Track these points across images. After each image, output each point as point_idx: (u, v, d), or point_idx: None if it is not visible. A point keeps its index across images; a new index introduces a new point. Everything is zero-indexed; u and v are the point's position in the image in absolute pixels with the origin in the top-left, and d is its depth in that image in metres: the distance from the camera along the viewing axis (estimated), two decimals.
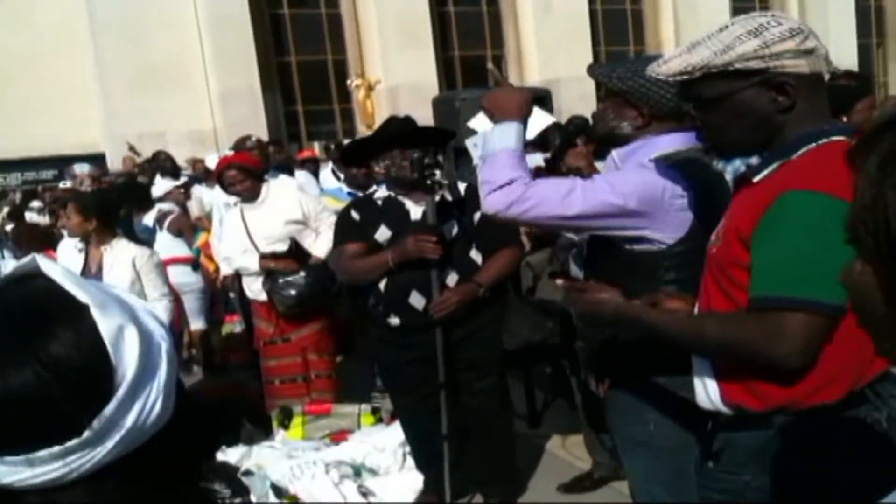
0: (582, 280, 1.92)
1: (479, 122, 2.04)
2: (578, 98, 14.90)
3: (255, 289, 4.06)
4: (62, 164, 12.74)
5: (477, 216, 2.93)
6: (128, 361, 0.66)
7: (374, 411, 3.98)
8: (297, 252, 3.96)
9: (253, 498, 2.89)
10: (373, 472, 3.34)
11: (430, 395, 2.97)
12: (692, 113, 1.52)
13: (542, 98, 5.62)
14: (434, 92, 12.99)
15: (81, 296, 0.67)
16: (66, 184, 9.23)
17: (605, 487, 3.35)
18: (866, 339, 1.38)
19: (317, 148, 14.96)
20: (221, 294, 5.73)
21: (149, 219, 5.69)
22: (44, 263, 0.70)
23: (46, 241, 5.29)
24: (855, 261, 0.67)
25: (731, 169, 1.60)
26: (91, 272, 3.69)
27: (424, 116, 5.56)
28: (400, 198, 2.92)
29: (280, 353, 4.05)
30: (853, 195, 0.66)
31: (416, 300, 2.85)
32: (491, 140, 1.87)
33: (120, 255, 3.66)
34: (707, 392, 1.52)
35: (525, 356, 3.52)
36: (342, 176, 6.34)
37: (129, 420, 0.66)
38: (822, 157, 1.39)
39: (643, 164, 1.84)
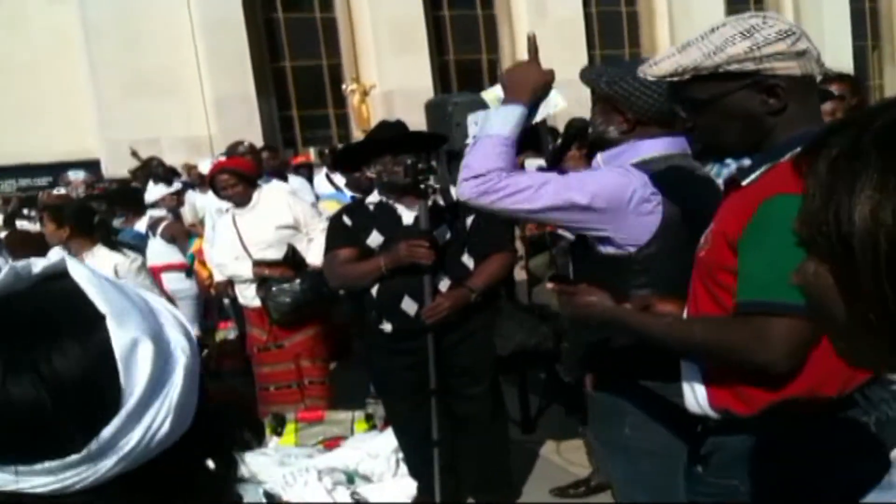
0: (573, 283, 1.92)
1: (492, 93, 2.03)
2: (574, 101, 14.81)
3: (247, 295, 4.04)
4: (57, 170, 12.72)
5: (469, 221, 2.92)
6: (136, 379, 0.64)
7: (368, 418, 3.96)
8: (293, 258, 3.94)
9: None
10: (366, 478, 3.32)
11: (422, 401, 2.96)
12: (682, 115, 1.51)
13: (536, 102, 5.61)
14: (429, 96, 12.97)
15: (101, 304, 0.65)
16: (59, 190, 9.20)
17: (602, 493, 3.33)
18: None
19: (312, 153, 14.97)
20: (215, 300, 5.70)
21: (141, 225, 5.67)
22: (71, 264, 0.68)
23: (39, 247, 5.26)
24: (807, 262, 0.67)
25: (726, 172, 1.59)
26: None
27: (420, 121, 5.55)
28: (392, 203, 2.91)
29: (273, 360, 4.02)
30: (803, 198, 0.66)
31: (409, 305, 2.84)
32: (490, 122, 1.86)
33: (100, 263, 3.63)
34: (695, 396, 1.52)
35: (519, 361, 3.51)
36: (336, 180, 6.33)
37: (132, 440, 0.64)
38: None
39: (624, 168, 1.86)
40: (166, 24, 17.02)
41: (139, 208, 6.01)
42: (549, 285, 1.71)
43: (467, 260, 2.93)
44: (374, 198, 2.98)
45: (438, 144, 3.17)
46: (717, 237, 1.45)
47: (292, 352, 3.98)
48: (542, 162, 3.80)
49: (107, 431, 0.62)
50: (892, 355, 0.63)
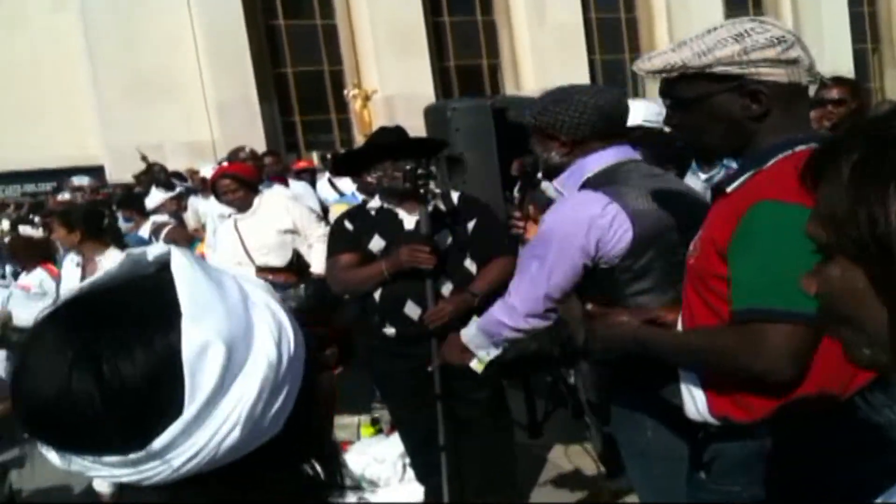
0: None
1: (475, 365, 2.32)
2: None
3: None
4: (62, 175, 12.76)
5: (471, 225, 2.92)
6: (202, 386, 0.62)
7: (374, 422, 3.96)
8: (297, 264, 3.96)
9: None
10: (373, 483, 3.33)
11: (426, 405, 2.95)
12: (668, 111, 1.53)
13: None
14: (430, 101, 13.00)
15: (184, 301, 0.64)
16: (64, 196, 9.23)
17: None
18: None
19: (315, 157, 15.00)
20: None
21: (144, 231, 5.68)
22: (174, 255, 0.67)
23: (43, 253, 5.27)
24: (829, 266, 0.67)
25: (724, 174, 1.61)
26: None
27: (421, 126, 5.57)
28: (393, 208, 2.91)
29: None
30: (818, 203, 0.67)
31: (412, 310, 2.84)
32: (481, 344, 2.20)
33: (108, 266, 3.65)
34: (695, 403, 1.52)
35: (524, 365, 3.51)
36: (339, 185, 6.34)
37: (197, 444, 0.63)
38: (794, 166, 1.39)
39: (572, 213, 1.95)
40: (168, 30, 17.08)
41: (145, 213, 6.06)
42: (589, 306, 1.74)
43: (470, 264, 2.93)
44: (375, 203, 2.99)
45: (438, 149, 3.18)
46: (705, 244, 1.46)
47: None
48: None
49: (165, 436, 0.61)
50: None
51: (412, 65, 18.46)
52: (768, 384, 1.37)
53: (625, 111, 2.10)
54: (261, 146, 12.58)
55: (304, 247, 4.11)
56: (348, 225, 2.98)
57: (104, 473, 0.64)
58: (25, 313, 4.99)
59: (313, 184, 7.29)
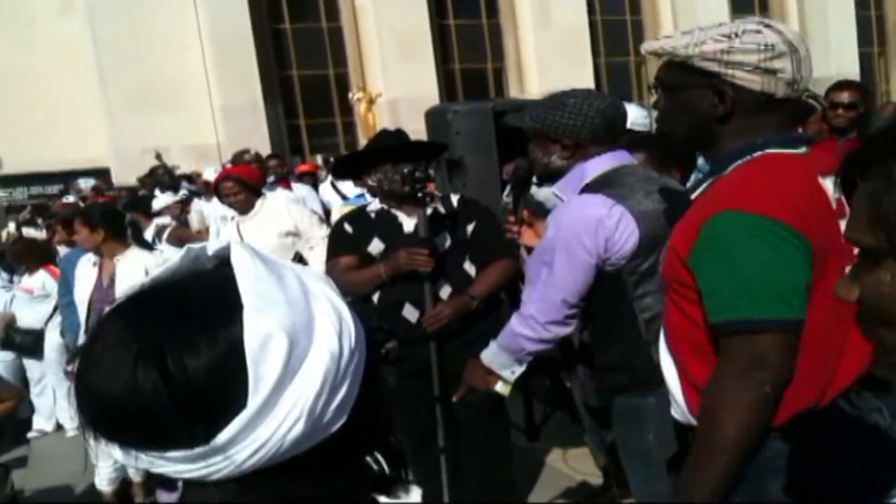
0: None
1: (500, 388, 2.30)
2: None
3: None
4: (68, 178, 12.83)
5: (470, 228, 2.93)
6: (265, 378, 0.62)
7: None
8: None
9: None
10: None
11: (425, 408, 2.96)
12: (653, 92, 1.55)
13: None
14: (435, 104, 13.04)
15: (246, 294, 0.64)
16: (69, 198, 9.29)
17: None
18: (827, 352, 1.37)
19: (319, 160, 15.00)
20: None
21: (148, 233, 5.72)
22: (234, 250, 0.68)
23: (45, 255, 5.31)
24: (877, 271, 0.65)
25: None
26: (104, 285, 3.71)
27: (425, 129, 5.59)
28: (393, 210, 2.92)
29: None
30: (860, 206, 0.65)
31: (410, 313, 2.85)
32: (505, 364, 2.17)
33: (132, 265, 3.69)
34: (679, 406, 1.52)
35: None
36: (341, 188, 6.36)
37: (260, 438, 0.62)
38: (752, 173, 1.39)
39: (580, 211, 1.94)
40: (174, 33, 17.16)
41: (150, 215, 6.10)
42: None
43: (469, 267, 2.93)
44: (375, 205, 3.00)
45: (438, 153, 3.19)
46: (670, 252, 1.47)
47: None
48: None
49: (229, 430, 0.61)
50: None
51: (417, 68, 18.49)
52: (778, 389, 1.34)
53: (624, 116, 2.12)
54: (265, 149, 12.62)
55: (305, 249, 4.14)
56: (348, 227, 2.99)
57: (169, 469, 0.64)
58: (29, 315, 5.03)
59: (315, 186, 7.32)
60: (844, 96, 4.10)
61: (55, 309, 4.82)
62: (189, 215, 6.66)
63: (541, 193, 3.41)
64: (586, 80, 17.93)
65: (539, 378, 3.87)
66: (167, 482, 0.67)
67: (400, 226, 2.91)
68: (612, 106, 2.06)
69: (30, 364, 5.21)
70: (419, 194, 2.77)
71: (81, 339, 3.66)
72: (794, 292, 1.31)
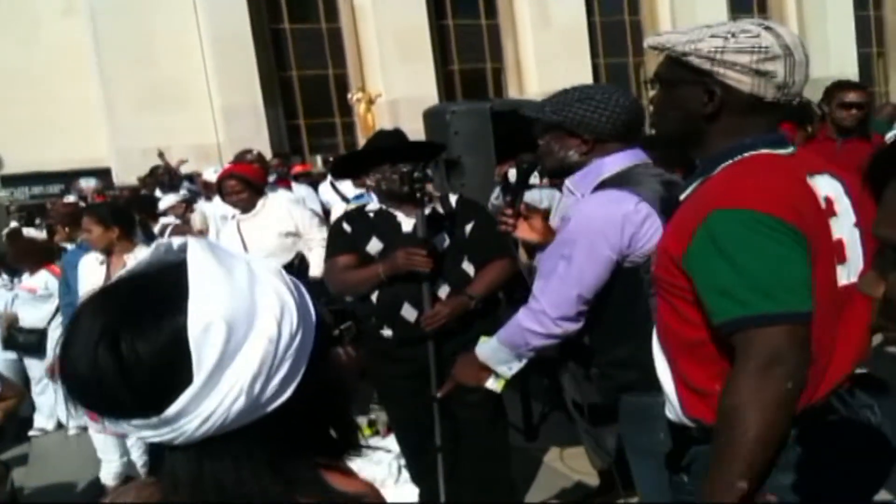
0: None
1: (493, 385, 2.23)
2: None
3: None
4: (69, 178, 12.84)
5: (468, 228, 2.94)
6: (205, 361, 0.71)
7: (371, 423, 3.98)
8: (298, 267, 3.99)
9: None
10: None
11: (423, 408, 2.97)
12: (649, 87, 1.56)
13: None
14: (434, 105, 13.06)
15: (193, 285, 0.73)
16: (69, 198, 9.30)
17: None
18: (820, 349, 1.38)
19: (318, 161, 15.01)
20: None
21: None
22: (191, 245, 0.77)
23: (47, 255, 5.32)
24: None
25: None
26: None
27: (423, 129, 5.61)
28: (391, 210, 2.93)
29: None
30: (890, 204, 0.66)
31: (408, 312, 2.86)
32: (503, 360, 2.10)
33: None
34: (672, 406, 1.52)
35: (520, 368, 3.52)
36: (341, 188, 6.38)
37: (205, 411, 0.72)
38: (741, 173, 1.40)
39: (606, 204, 1.91)
40: (175, 36, 17.17)
41: (154, 215, 6.12)
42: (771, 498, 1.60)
43: (467, 267, 2.94)
44: (374, 205, 3.01)
45: (436, 153, 3.20)
46: (661, 254, 1.46)
47: None
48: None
49: (177, 404, 0.71)
50: None
51: (416, 68, 18.50)
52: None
53: (642, 113, 2.08)
54: (265, 149, 12.63)
55: (305, 250, 4.16)
56: (346, 227, 3.01)
57: (136, 433, 0.75)
58: (31, 315, 5.03)
59: (314, 186, 7.35)
60: (854, 96, 4.16)
61: (58, 308, 4.83)
62: (191, 215, 6.68)
63: (528, 195, 3.43)
64: (585, 81, 17.86)
65: (537, 378, 3.89)
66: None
67: (398, 226, 2.92)
68: (635, 104, 2.05)
69: (31, 363, 5.23)
70: (417, 194, 2.78)
71: None
72: (801, 284, 1.30)
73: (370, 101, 16.70)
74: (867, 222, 1.42)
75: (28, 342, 4.95)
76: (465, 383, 2.24)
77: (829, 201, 1.40)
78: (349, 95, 18.03)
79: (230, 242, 4.15)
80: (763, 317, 1.28)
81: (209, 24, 17.49)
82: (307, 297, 0.82)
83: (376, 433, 3.90)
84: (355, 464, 3.07)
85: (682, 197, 1.47)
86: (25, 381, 5.16)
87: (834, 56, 21.53)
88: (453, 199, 3.05)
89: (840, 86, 4.23)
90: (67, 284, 4.26)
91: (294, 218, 4.17)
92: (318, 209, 5.94)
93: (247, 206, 4.17)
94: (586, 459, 3.54)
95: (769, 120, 1.44)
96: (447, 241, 2.91)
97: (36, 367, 5.21)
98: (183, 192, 7.51)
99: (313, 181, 7.75)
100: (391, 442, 3.42)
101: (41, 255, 5.22)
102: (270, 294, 0.76)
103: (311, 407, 0.79)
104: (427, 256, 2.75)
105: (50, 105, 16.94)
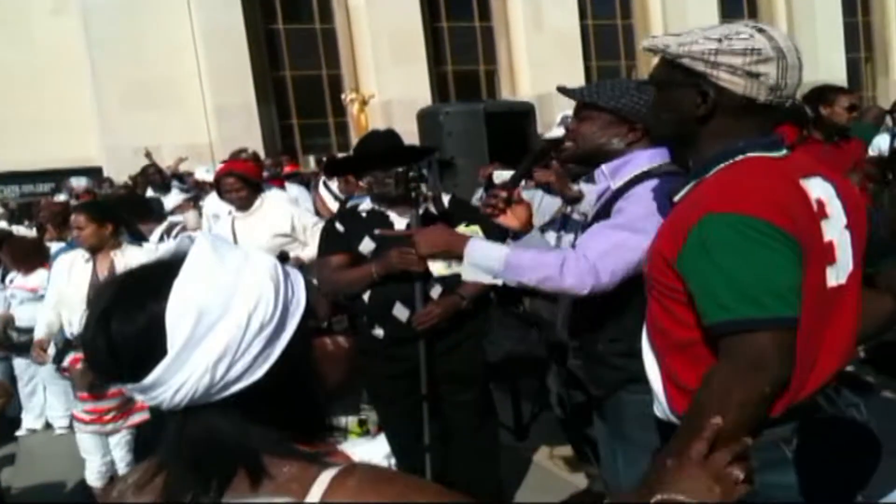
0: None
1: (438, 267, 2.15)
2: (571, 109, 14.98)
3: None
4: (59, 177, 12.77)
5: (461, 229, 2.95)
6: (176, 339, 0.84)
7: (361, 423, 3.98)
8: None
9: None
10: None
11: (414, 407, 2.98)
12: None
13: (527, 112, 5.69)
14: (427, 106, 13.05)
15: (180, 277, 0.85)
16: (60, 197, 9.25)
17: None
18: (807, 349, 1.39)
19: (312, 161, 15.00)
20: None
21: (157, 231, 5.71)
22: (198, 239, 0.90)
23: (42, 254, 5.29)
24: None
25: None
26: (101, 280, 3.71)
27: (417, 130, 5.61)
28: (384, 210, 2.95)
29: None
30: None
31: (400, 312, 2.87)
32: (484, 266, 1.92)
33: (134, 259, 3.69)
34: (660, 404, 1.53)
35: (510, 368, 3.54)
36: (333, 188, 6.38)
37: (175, 384, 0.84)
38: (735, 176, 1.41)
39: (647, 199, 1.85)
40: (168, 33, 17.11)
41: (143, 215, 6.08)
42: None
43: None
44: (366, 205, 3.02)
45: (428, 155, 3.21)
46: (655, 255, 1.47)
47: None
48: (511, 174, 3.86)
49: (151, 375, 0.85)
50: None
51: (410, 70, 18.50)
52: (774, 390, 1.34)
53: None
54: (258, 149, 12.60)
55: (298, 249, 4.15)
56: (339, 226, 3.01)
57: (137, 396, 0.89)
58: (27, 314, 4.98)
59: (306, 186, 7.35)
60: (854, 99, 4.27)
61: None
62: (186, 214, 6.67)
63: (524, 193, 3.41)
64: (577, 84, 17.96)
65: (527, 378, 3.91)
66: None
67: (391, 226, 2.93)
68: None
69: (19, 363, 5.20)
70: (413, 193, 2.78)
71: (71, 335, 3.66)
72: (789, 290, 1.32)
73: (363, 102, 16.70)
74: (857, 224, 1.44)
75: (23, 342, 4.91)
76: (417, 246, 2.06)
77: (820, 203, 1.41)
78: (343, 96, 18.02)
79: None
80: (748, 321, 1.30)
81: (202, 23, 17.44)
82: (300, 290, 0.92)
83: (367, 432, 3.90)
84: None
85: (676, 199, 1.48)
86: (12, 380, 5.14)
87: (822, 60, 21.65)
88: (446, 199, 3.06)
89: (837, 89, 4.31)
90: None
91: (294, 220, 4.16)
92: (311, 208, 5.94)
93: (244, 204, 4.16)
94: (575, 459, 3.56)
95: (762, 122, 1.45)
96: None
97: (25, 367, 5.18)
98: (175, 190, 7.49)
99: (303, 180, 7.75)
100: (382, 441, 3.43)
101: (37, 255, 5.19)
102: (250, 287, 0.86)
103: (283, 388, 0.89)
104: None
105: (41, 103, 16.85)
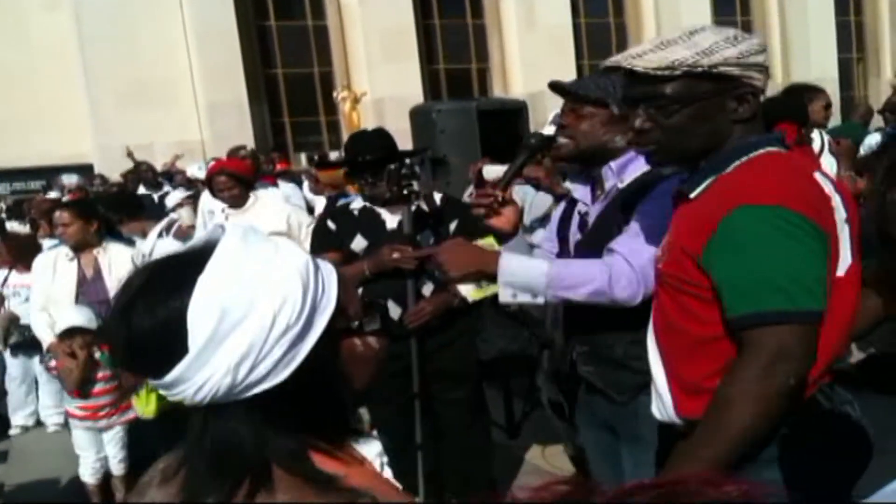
0: None
1: (469, 290, 1.98)
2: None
3: None
4: (51, 174, 12.73)
5: (453, 226, 2.96)
6: (198, 338, 0.80)
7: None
8: None
9: None
10: None
11: (406, 405, 2.98)
12: (641, 114, 1.47)
13: (519, 110, 5.71)
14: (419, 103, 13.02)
15: (206, 272, 0.82)
16: (51, 194, 9.22)
17: None
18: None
19: (303, 159, 14.96)
20: None
21: (156, 228, 5.70)
22: (228, 231, 0.86)
23: (30, 250, 5.26)
24: None
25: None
26: (88, 277, 3.71)
27: (409, 128, 5.61)
28: (376, 208, 2.95)
29: None
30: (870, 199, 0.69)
31: (392, 309, 2.87)
32: (523, 283, 1.83)
33: (118, 256, 3.69)
34: (664, 405, 1.52)
35: (502, 366, 3.55)
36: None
37: (198, 382, 0.81)
38: (761, 170, 1.41)
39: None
40: (160, 30, 17.04)
41: (135, 213, 6.06)
42: None
43: None
44: (358, 203, 3.02)
45: (421, 153, 3.21)
46: (674, 250, 1.45)
47: None
48: (501, 169, 3.87)
49: (174, 372, 0.82)
50: None
51: (402, 67, 18.47)
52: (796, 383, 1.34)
53: None
54: (250, 146, 12.58)
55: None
56: (331, 224, 3.01)
57: (164, 392, 0.86)
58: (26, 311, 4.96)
59: (295, 183, 7.35)
60: (825, 98, 4.32)
61: None
62: (180, 210, 6.67)
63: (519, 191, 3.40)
64: None
65: (519, 376, 3.93)
66: None
67: (383, 223, 2.93)
68: None
69: (11, 361, 5.18)
70: (405, 191, 2.79)
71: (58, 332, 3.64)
72: (817, 283, 1.31)
73: (355, 100, 16.66)
74: (852, 218, 1.46)
75: (25, 339, 4.89)
76: (445, 268, 1.94)
77: (829, 197, 1.43)
78: (334, 94, 17.98)
79: None
80: (775, 313, 1.30)
81: (194, 20, 17.37)
82: (331, 287, 0.88)
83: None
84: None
85: (692, 195, 1.45)
86: (2, 379, 5.12)
87: (815, 60, 21.75)
88: (438, 197, 3.07)
89: (813, 89, 4.36)
90: None
91: (289, 219, 4.17)
92: (303, 205, 5.95)
93: (237, 202, 4.17)
94: (567, 457, 3.57)
95: (760, 115, 1.47)
96: (432, 239, 2.93)
97: (16, 365, 5.16)
98: (166, 188, 7.47)
99: (294, 178, 7.75)
100: (374, 439, 3.44)
101: (34, 252, 5.17)
102: (278, 284, 0.82)
103: (308, 389, 0.85)
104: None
105: (33, 100, 16.76)
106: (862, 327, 1.60)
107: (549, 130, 2.46)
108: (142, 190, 7.76)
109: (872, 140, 5.70)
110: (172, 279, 0.84)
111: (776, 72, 22.13)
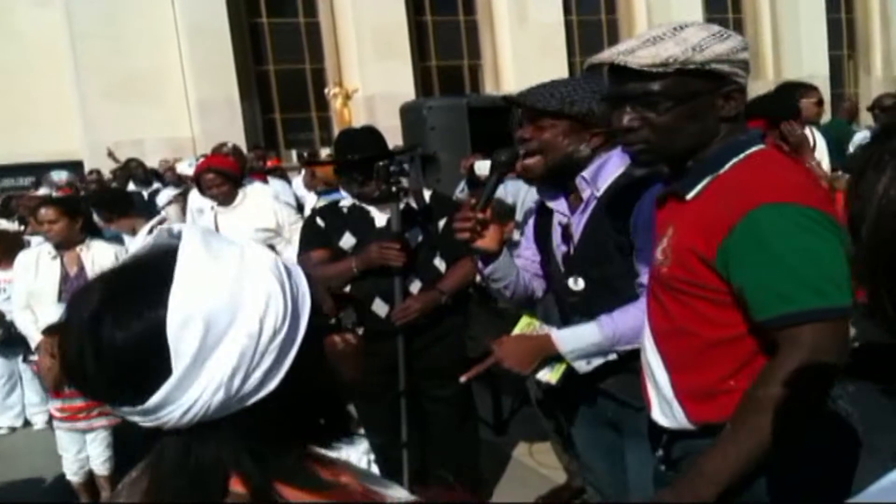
0: None
1: (546, 374, 1.98)
2: None
3: None
4: (41, 170, 12.64)
5: (441, 224, 2.95)
6: (182, 354, 0.72)
7: None
8: None
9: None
10: None
11: (393, 402, 2.98)
12: (627, 113, 1.44)
13: (510, 107, 5.68)
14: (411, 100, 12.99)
15: (179, 277, 0.73)
16: (42, 191, 9.16)
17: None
18: None
19: (294, 156, 14.92)
20: None
21: (147, 226, 5.67)
22: (185, 233, 0.78)
23: (18, 247, 5.23)
24: None
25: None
26: (72, 274, 3.68)
27: (400, 125, 5.61)
28: (365, 205, 2.94)
29: None
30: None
31: (380, 307, 2.87)
32: (585, 351, 1.86)
33: (101, 254, 3.68)
34: (672, 411, 1.50)
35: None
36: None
37: (185, 403, 0.73)
38: (767, 168, 1.40)
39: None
40: (151, 29, 16.95)
41: (123, 210, 6.02)
42: None
43: (439, 263, 2.96)
44: (347, 200, 3.01)
45: (410, 150, 3.20)
46: (682, 253, 1.41)
47: None
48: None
49: (157, 395, 0.73)
50: None
51: (393, 64, 18.44)
52: (740, 381, 1.35)
53: None
54: (241, 143, 12.53)
55: (281, 245, 4.13)
56: (319, 221, 3.00)
57: (129, 418, 0.76)
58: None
59: (285, 180, 7.33)
60: (813, 95, 4.35)
61: None
62: (168, 208, 6.64)
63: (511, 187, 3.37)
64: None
65: (507, 374, 3.92)
66: None
67: (372, 221, 2.93)
68: None
69: None
70: (394, 188, 2.78)
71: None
72: (844, 278, 1.31)
73: (347, 97, 16.63)
74: (838, 213, 1.46)
75: (13, 336, 4.84)
76: (514, 369, 1.97)
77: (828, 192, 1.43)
78: (326, 90, 17.95)
79: None
80: (813, 312, 1.29)
81: (185, 17, 17.28)
82: (303, 286, 0.82)
83: None
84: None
85: (689, 196, 1.43)
86: None
87: (806, 57, 21.81)
88: (427, 194, 3.06)
89: (806, 86, 4.38)
90: None
91: (277, 215, 4.16)
92: (293, 202, 5.93)
93: (226, 199, 4.16)
94: (555, 455, 3.58)
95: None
96: (420, 237, 2.93)
97: (2, 364, 5.13)
98: (156, 185, 7.43)
99: (284, 175, 7.73)
100: (360, 438, 3.43)
101: (14, 248, 5.13)
102: (257, 287, 0.76)
103: (299, 396, 0.79)
104: (400, 251, 2.76)
105: (22, 96, 16.65)
106: None
107: None
108: (131, 187, 7.72)
109: (861, 138, 5.73)
110: (140, 290, 0.75)
111: (767, 69, 22.19)
